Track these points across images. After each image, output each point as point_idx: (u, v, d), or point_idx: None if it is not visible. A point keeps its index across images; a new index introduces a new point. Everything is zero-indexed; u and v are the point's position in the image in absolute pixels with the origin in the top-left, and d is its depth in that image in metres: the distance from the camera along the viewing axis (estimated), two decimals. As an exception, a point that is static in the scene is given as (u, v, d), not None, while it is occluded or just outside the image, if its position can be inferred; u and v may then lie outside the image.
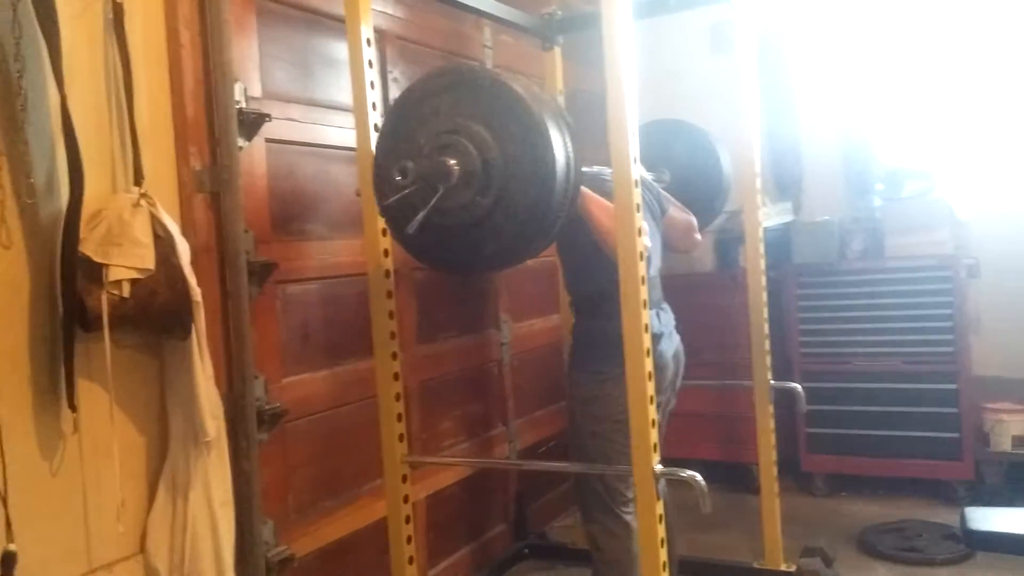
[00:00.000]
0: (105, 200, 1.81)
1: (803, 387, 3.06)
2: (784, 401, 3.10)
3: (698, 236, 2.83)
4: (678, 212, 2.76)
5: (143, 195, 1.82)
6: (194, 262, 1.90)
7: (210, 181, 2.09)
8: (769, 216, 3.85)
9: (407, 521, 2.35)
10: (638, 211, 1.92)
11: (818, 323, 3.93)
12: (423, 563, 2.71)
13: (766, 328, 2.99)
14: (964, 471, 3.64)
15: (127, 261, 1.75)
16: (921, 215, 3.80)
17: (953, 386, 3.65)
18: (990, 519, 2.47)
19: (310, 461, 2.44)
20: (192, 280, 1.84)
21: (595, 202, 2.24)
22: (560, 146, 1.83)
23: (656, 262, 2.54)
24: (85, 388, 1.77)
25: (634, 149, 1.90)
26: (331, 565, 2.49)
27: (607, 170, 2.44)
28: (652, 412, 1.93)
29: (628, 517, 2.41)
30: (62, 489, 1.75)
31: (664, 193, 2.72)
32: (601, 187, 2.32)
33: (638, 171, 1.93)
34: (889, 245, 3.85)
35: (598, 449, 2.41)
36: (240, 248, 2.11)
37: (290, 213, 2.41)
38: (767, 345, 2.98)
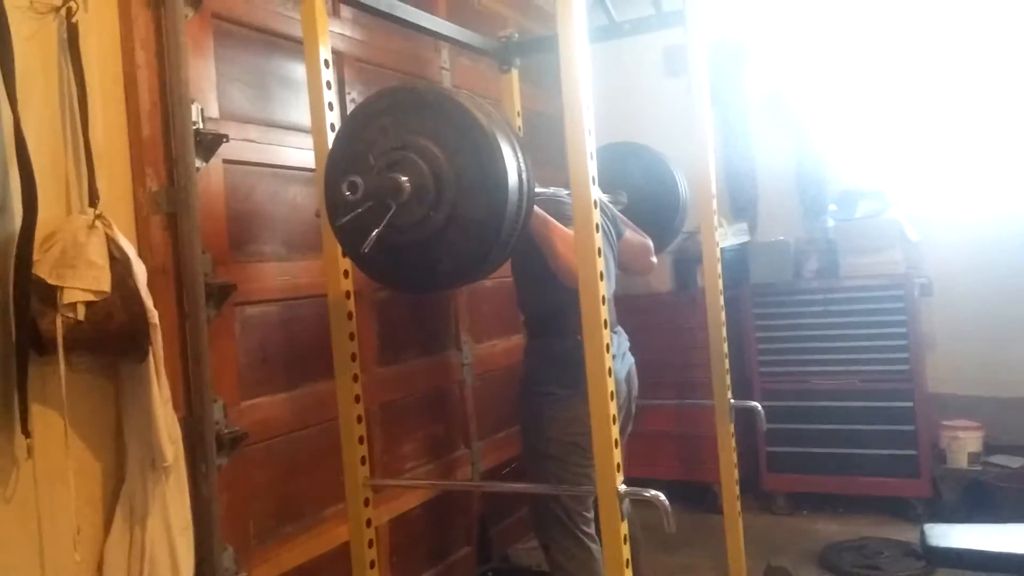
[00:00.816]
0: (60, 222, 1.78)
1: (762, 406, 3.09)
2: (744, 420, 3.13)
3: (654, 259, 2.86)
4: (634, 235, 2.79)
5: (98, 216, 1.80)
6: (151, 284, 1.87)
7: (167, 202, 2.06)
8: (726, 236, 3.91)
9: (370, 545, 2.32)
10: (597, 231, 1.94)
11: (776, 342, 3.98)
12: (386, 588, 2.68)
13: (725, 347, 3.02)
14: (922, 488, 3.70)
15: (82, 283, 1.72)
16: (874, 235, 3.89)
17: (909, 404, 3.72)
18: (950, 535, 2.52)
19: (271, 485, 2.40)
20: (149, 302, 1.81)
21: (549, 225, 2.26)
22: (511, 158, 1.84)
23: (611, 284, 2.56)
24: (39, 413, 1.73)
25: (592, 169, 1.92)
26: (292, 592, 2.44)
27: (563, 191, 2.47)
28: (615, 432, 1.93)
29: (589, 541, 2.41)
30: (15, 516, 1.70)
31: (620, 215, 2.76)
32: (557, 208, 2.35)
33: (596, 192, 1.94)
34: (843, 265, 3.93)
35: (555, 472, 2.41)
36: (197, 270, 2.08)
37: (248, 234, 2.40)
38: (727, 364, 3.01)
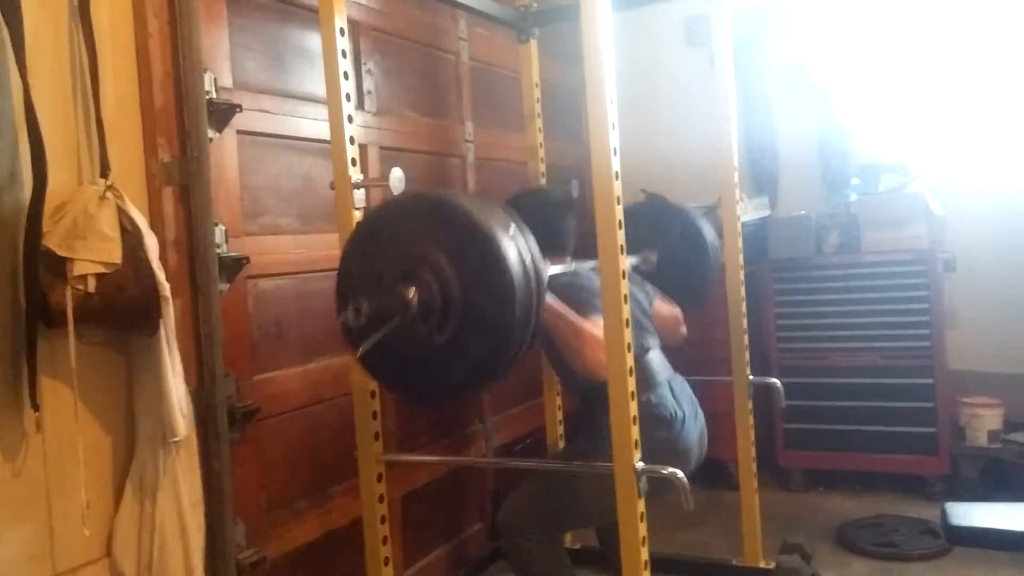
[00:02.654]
0: (70, 192, 1.75)
1: (780, 382, 3.05)
2: (761, 397, 3.09)
3: (684, 329, 2.79)
4: (664, 306, 2.73)
5: (109, 187, 1.77)
6: (162, 256, 1.85)
7: (179, 173, 2.03)
8: (746, 211, 3.85)
9: (382, 521, 2.31)
10: (619, 204, 1.89)
11: (795, 318, 3.93)
12: (399, 563, 2.67)
13: (745, 323, 2.98)
14: (940, 466, 3.66)
15: (93, 255, 1.69)
16: (897, 210, 3.81)
17: (929, 381, 3.67)
18: (971, 514, 2.49)
19: (283, 460, 2.39)
20: (160, 275, 1.78)
21: (562, 319, 2.18)
22: (517, 263, 1.76)
23: (653, 339, 2.50)
24: (49, 386, 1.71)
25: (614, 140, 1.87)
26: (304, 567, 2.44)
27: (585, 265, 2.40)
28: (633, 408, 1.90)
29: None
30: (24, 491, 1.68)
31: (648, 285, 2.69)
32: (577, 296, 2.26)
33: (617, 163, 1.89)
34: (865, 240, 3.86)
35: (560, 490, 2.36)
36: (210, 242, 2.05)
37: (262, 207, 2.36)
38: (746, 340, 2.97)
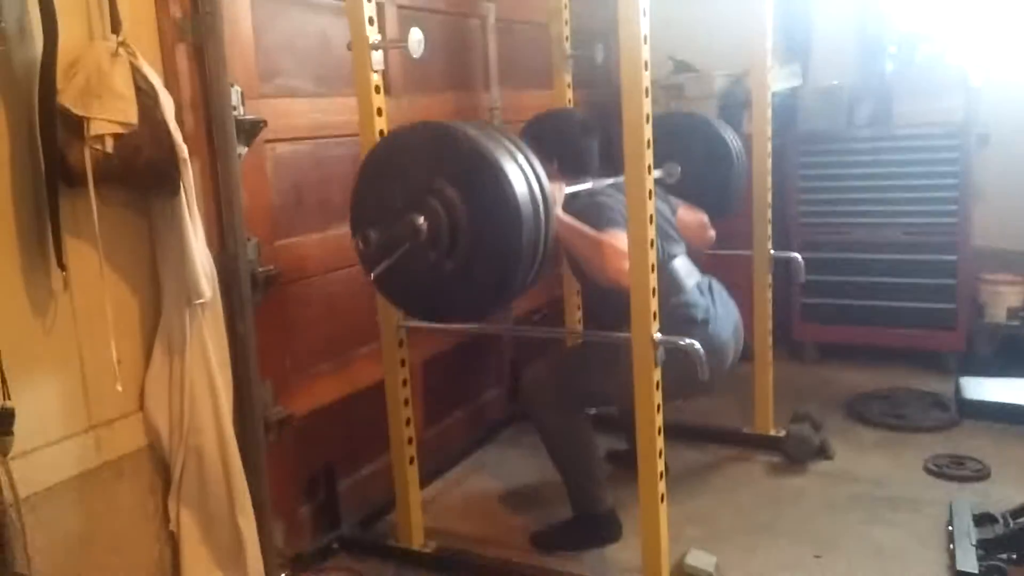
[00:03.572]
0: (82, 48, 1.70)
1: (801, 257, 3.03)
2: (779, 269, 3.08)
3: (712, 233, 2.78)
4: (688, 213, 2.70)
5: (122, 44, 1.72)
6: (178, 117, 1.82)
7: (192, 30, 1.96)
8: (777, 79, 3.72)
9: (404, 384, 2.37)
10: (648, 147, 1.85)
11: (819, 192, 3.88)
12: (419, 424, 2.75)
13: (769, 197, 2.93)
14: (956, 341, 3.68)
15: (109, 115, 1.66)
16: (933, 81, 3.69)
17: (952, 257, 3.64)
18: (984, 388, 2.51)
19: (306, 324, 2.42)
20: (178, 136, 1.76)
21: (577, 234, 2.20)
22: (522, 185, 1.79)
23: (679, 245, 2.51)
24: (73, 246, 1.72)
25: (646, 79, 1.83)
26: (329, 425, 2.52)
27: (602, 182, 2.39)
28: (652, 280, 1.90)
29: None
30: (57, 348, 1.73)
31: (670, 196, 2.66)
32: (594, 212, 2.27)
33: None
34: (898, 112, 3.76)
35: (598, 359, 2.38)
36: (226, 103, 2.01)
37: (277, 67, 2.30)
38: (769, 215, 2.94)
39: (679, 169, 2.72)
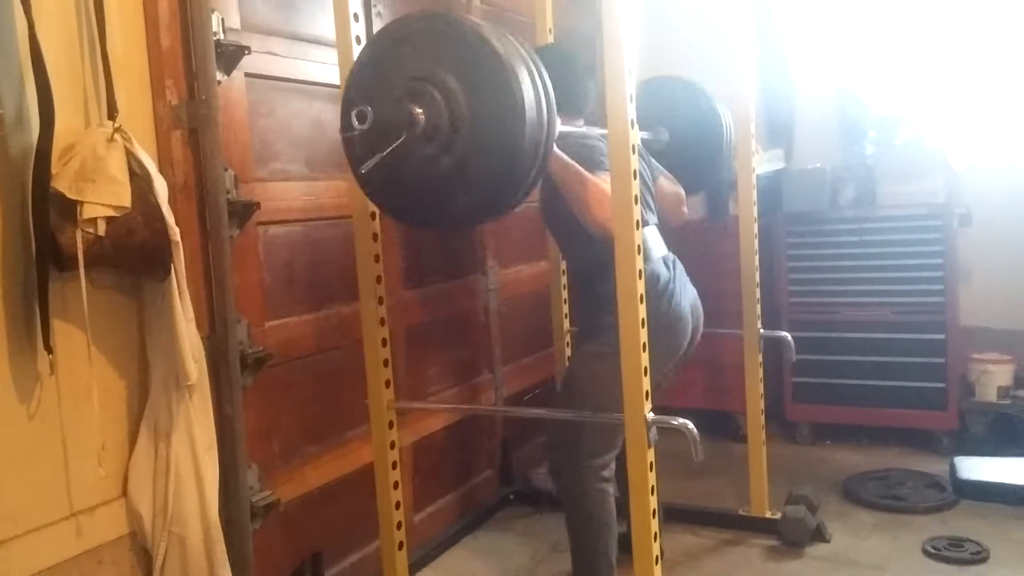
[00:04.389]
0: (78, 135, 1.73)
1: (790, 336, 3.04)
2: (770, 349, 3.08)
3: (686, 210, 2.74)
4: (667, 183, 2.66)
5: (117, 129, 1.75)
6: (172, 201, 1.84)
7: (188, 116, 2.00)
8: (761, 163, 3.80)
9: (394, 467, 2.33)
10: (634, 152, 1.86)
11: (807, 272, 3.90)
12: (409, 509, 2.70)
13: (757, 276, 2.96)
14: (949, 421, 3.66)
15: (102, 198, 1.68)
16: (914, 163, 3.75)
17: (940, 336, 3.65)
18: (980, 468, 2.48)
19: (295, 406, 2.40)
20: (170, 219, 1.77)
21: (570, 170, 2.13)
22: (529, 89, 1.71)
23: (651, 216, 2.46)
24: (61, 329, 1.71)
25: (631, 87, 1.84)
26: (317, 510, 2.47)
27: (595, 131, 2.34)
28: (644, 359, 1.90)
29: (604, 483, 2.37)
30: (40, 432, 1.70)
31: (654, 161, 2.64)
32: (586, 154, 2.20)
33: (633, 111, 1.86)
34: (881, 193, 3.81)
35: (597, 391, 2.29)
36: (220, 187, 2.03)
37: (271, 152, 2.34)
38: (758, 293, 2.96)
39: (667, 136, 2.71)
